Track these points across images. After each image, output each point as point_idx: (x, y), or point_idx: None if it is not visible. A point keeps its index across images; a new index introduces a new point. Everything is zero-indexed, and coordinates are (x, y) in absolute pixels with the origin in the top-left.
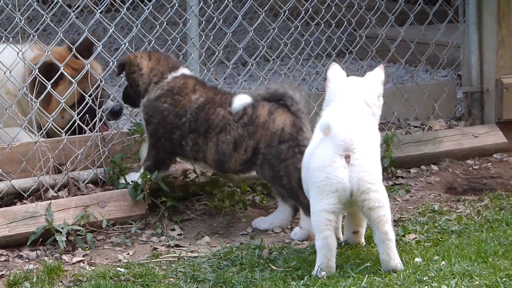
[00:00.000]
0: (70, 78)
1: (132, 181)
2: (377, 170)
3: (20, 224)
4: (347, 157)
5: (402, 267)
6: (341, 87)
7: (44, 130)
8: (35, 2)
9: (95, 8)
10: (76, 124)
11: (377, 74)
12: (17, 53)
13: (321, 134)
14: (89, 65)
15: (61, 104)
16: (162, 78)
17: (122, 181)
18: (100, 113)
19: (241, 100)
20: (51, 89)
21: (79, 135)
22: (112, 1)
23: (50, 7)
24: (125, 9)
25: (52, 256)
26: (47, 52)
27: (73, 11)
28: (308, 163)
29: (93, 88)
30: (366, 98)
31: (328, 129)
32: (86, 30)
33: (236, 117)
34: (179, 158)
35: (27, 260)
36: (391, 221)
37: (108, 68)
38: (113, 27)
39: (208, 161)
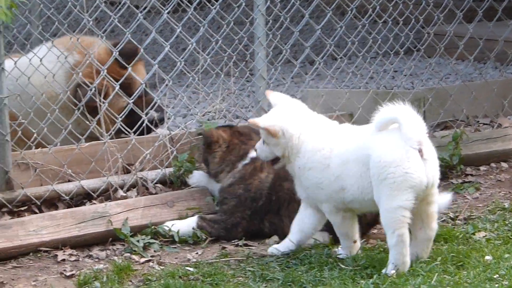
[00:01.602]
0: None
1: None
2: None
3: (90, 224)
4: (420, 151)
5: None
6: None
7: (113, 130)
8: (103, 4)
9: (162, 9)
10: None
11: None
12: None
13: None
14: (131, 70)
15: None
16: (233, 168)
17: (171, 228)
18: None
19: None
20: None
21: (147, 135)
22: (179, 2)
23: (118, 8)
24: (192, 9)
25: (122, 255)
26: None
27: (141, 12)
28: (343, 160)
29: (137, 93)
30: None
31: (389, 124)
32: (154, 30)
33: None
34: None
35: (97, 260)
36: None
37: (176, 68)
38: (180, 27)
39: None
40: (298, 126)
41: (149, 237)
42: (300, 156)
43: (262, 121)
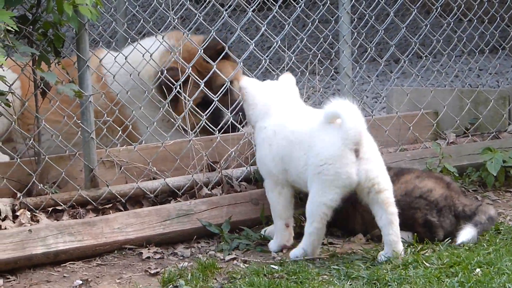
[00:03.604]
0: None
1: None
2: (381, 159)
3: (174, 222)
4: (356, 151)
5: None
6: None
7: (198, 128)
8: (188, 2)
9: (247, 7)
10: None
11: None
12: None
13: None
14: (215, 67)
15: (186, 107)
16: None
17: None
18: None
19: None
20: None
21: (233, 133)
22: (265, 0)
23: (203, 6)
24: (277, 7)
25: (206, 253)
26: (174, 55)
27: (226, 10)
28: (289, 141)
29: (222, 90)
30: None
31: (334, 118)
32: (239, 28)
33: None
34: None
35: (181, 257)
36: None
37: (261, 66)
38: (265, 26)
39: (356, 231)
40: (261, 97)
41: (241, 236)
42: (256, 127)
43: (243, 79)
